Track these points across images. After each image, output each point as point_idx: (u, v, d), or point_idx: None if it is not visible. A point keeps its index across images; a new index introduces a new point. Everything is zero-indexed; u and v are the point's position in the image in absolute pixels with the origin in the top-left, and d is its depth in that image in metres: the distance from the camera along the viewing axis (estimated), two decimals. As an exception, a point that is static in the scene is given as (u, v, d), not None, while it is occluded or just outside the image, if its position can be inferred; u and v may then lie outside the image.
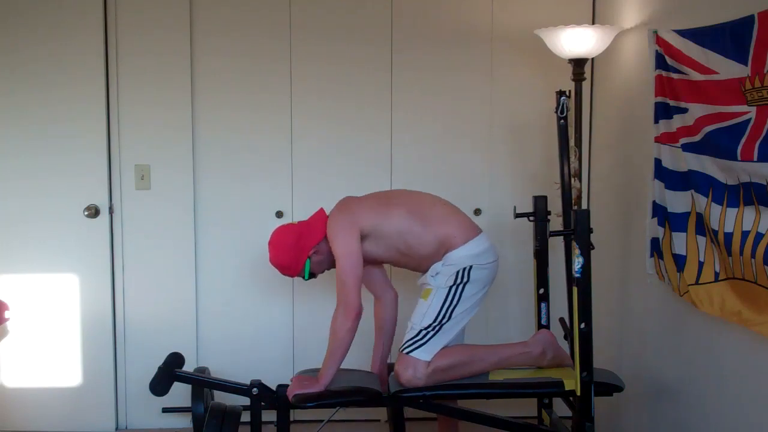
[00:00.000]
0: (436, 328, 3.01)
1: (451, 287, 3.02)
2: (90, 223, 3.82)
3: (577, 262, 2.83)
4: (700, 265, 2.67)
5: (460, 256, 3.03)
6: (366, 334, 3.27)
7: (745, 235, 2.36)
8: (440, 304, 3.02)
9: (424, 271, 3.11)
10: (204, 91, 3.86)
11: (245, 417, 3.05)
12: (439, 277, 3.03)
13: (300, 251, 3.10)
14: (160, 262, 3.91)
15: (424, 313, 3.02)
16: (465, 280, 3.02)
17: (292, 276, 3.19)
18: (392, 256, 3.14)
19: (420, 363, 2.97)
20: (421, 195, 3.26)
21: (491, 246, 3.13)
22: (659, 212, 2.92)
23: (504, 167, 3.96)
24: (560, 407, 3.43)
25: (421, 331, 3.00)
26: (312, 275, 3.16)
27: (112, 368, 3.92)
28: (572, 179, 3.35)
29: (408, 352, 2.99)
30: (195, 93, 3.85)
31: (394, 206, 3.13)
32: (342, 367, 3.02)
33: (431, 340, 3.00)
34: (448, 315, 3.02)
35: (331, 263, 3.15)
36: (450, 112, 3.92)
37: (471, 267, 3.03)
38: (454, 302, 3.03)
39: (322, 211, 3.17)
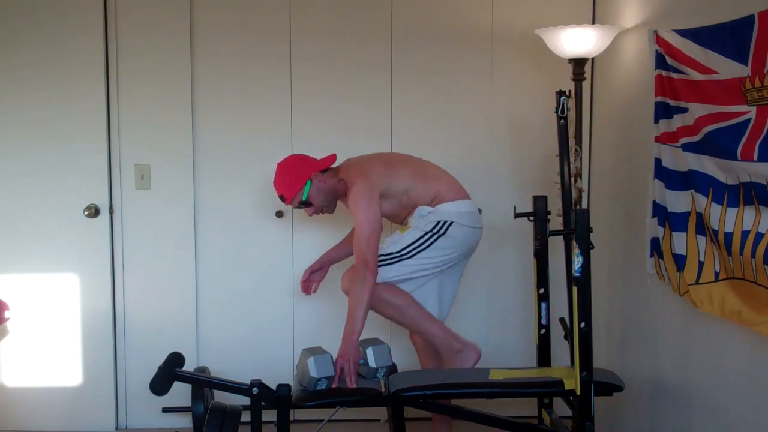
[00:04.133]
0: (395, 259, 3.21)
1: (427, 232, 3.21)
2: (90, 223, 3.82)
3: (577, 262, 2.83)
4: (700, 264, 2.67)
5: (447, 209, 3.24)
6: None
7: (745, 234, 2.36)
8: (410, 241, 3.22)
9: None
10: (204, 91, 3.86)
11: (245, 417, 3.05)
12: (421, 220, 3.23)
13: (303, 170, 3.26)
14: (160, 262, 3.91)
15: (393, 242, 3.25)
16: (442, 232, 3.22)
17: (288, 199, 3.28)
18: (394, 210, 3.33)
19: None
20: (415, 157, 3.47)
21: (477, 213, 3.35)
22: (659, 212, 2.92)
23: (504, 167, 3.96)
24: (560, 407, 3.43)
25: (381, 255, 3.17)
26: (308, 204, 3.27)
27: (112, 368, 3.92)
28: (574, 179, 3.35)
29: None
30: (195, 93, 3.85)
31: (399, 167, 3.34)
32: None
33: (385, 266, 3.19)
34: (411, 253, 3.20)
35: (329, 203, 3.30)
36: (450, 112, 3.92)
37: (452, 223, 3.22)
38: (423, 246, 3.22)
39: (333, 155, 3.35)
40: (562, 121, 3.32)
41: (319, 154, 3.88)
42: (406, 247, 3.23)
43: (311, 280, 3.59)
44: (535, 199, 3.35)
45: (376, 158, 3.41)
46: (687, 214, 2.75)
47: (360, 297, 3.08)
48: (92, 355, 3.90)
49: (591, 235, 2.88)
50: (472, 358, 3.33)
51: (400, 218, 3.39)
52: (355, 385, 3.00)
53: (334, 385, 3.01)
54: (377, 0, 3.85)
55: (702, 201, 2.59)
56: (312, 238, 3.95)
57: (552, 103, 3.39)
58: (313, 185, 3.26)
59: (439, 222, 3.22)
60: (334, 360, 3.02)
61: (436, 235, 3.22)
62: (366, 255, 3.10)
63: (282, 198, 3.32)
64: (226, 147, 3.90)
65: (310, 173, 3.26)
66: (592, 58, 3.57)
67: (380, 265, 3.17)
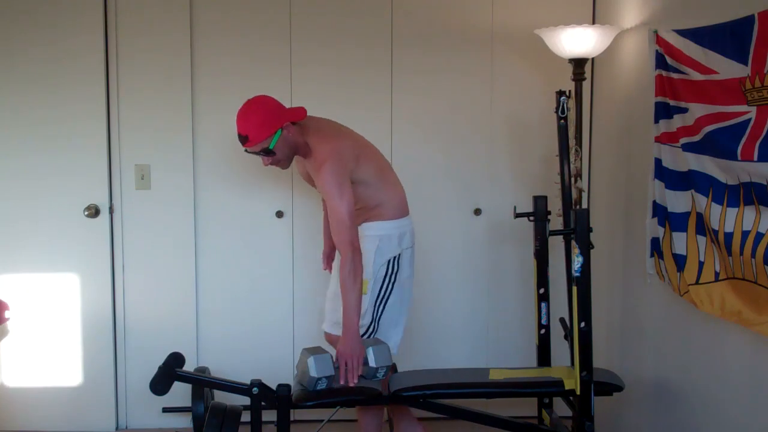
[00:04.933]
0: (374, 327, 3.15)
1: (384, 281, 3.14)
2: (90, 223, 3.82)
3: (577, 262, 2.84)
4: (701, 264, 2.67)
5: (390, 231, 3.14)
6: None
7: (745, 234, 2.36)
8: (374, 301, 3.13)
9: None
10: (204, 91, 3.86)
11: (245, 417, 3.05)
12: (368, 257, 3.07)
13: (278, 116, 2.99)
14: (160, 262, 3.91)
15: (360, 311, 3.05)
16: (395, 269, 3.16)
17: (253, 142, 2.98)
18: None
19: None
20: (381, 154, 3.31)
21: (413, 228, 3.25)
22: (659, 212, 2.92)
23: (504, 167, 3.96)
24: (560, 407, 3.43)
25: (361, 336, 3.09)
26: (272, 152, 3.01)
27: (112, 368, 3.92)
28: (574, 179, 3.35)
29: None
30: (195, 93, 3.85)
31: (369, 158, 3.17)
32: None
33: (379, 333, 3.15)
34: (381, 309, 3.16)
35: (288, 158, 3.09)
36: (450, 112, 3.92)
37: (399, 255, 3.16)
38: (387, 293, 3.15)
39: (304, 109, 3.10)
40: (562, 121, 3.32)
41: (319, 154, 3.89)
42: (374, 310, 3.15)
43: (331, 258, 3.51)
44: (535, 199, 3.36)
45: (350, 137, 3.19)
46: (687, 214, 2.75)
47: (351, 284, 2.95)
48: (92, 355, 3.90)
49: (591, 235, 2.88)
50: None
51: None
52: (356, 381, 2.97)
53: (336, 384, 2.99)
54: (377, 0, 3.85)
55: (702, 201, 2.59)
56: (312, 238, 3.95)
57: (552, 103, 3.39)
58: (283, 135, 3.00)
59: (389, 262, 3.14)
60: (335, 357, 2.99)
61: (393, 276, 3.15)
62: (348, 238, 2.95)
63: (243, 138, 3.00)
64: (226, 147, 3.90)
65: (284, 122, 2.99)
66: (592, 58, 3.57)
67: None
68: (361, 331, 3.11)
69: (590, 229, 2.88)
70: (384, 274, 3.15)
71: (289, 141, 3.04)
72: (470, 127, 3.93)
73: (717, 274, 2.59)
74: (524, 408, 3.57)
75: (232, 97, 3.85)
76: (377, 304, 3.16)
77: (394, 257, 3.16)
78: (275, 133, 2.98)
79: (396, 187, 3.22)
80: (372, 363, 3.07)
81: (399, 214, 3.19)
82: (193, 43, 3.82)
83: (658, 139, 2.90)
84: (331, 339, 3.30)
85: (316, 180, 3.10)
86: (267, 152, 3.02)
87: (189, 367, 3.28)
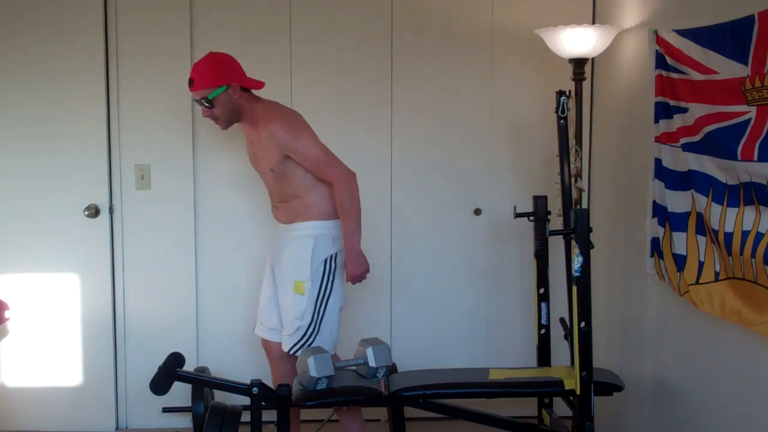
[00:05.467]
0: (315, 329, 3.17)
1: (322, 281, 3.16)
2: (90, 223, 3.82)
3: (577, 262, 2.84)
4: (701, 264, 2.67)
5: (325, 232, 3.17)
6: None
7: (745, 234, 2.36)
8: (314, 301, 3.15)
9: (284, 216, 3.23)
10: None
11: (245, 417, 3.05)
12: (305, 255, 3.14)
13: (228, 74, 3.08)
14: (160, 262, 3.91)
15: (298, 314, 3.14)
16: (333, 267, 3.18)
17: (197, 87, 3.07)
18: (285, 186, 3.18)
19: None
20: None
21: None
22: (659, 212, 2.92)
23: (504, 167, 3.96)
24: (560, 407, 3.43)
25: (299, 338, 3.15)
26: (209, 105, 3.08)
27: (112, 368, 3.92)
28: (574, 179, 3.35)
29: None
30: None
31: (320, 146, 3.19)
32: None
33: (317, 341, 3.16)
34: (322, 310, 3.17)
35: (227, 119, 3.14)
36: (450, 112, 3.92)
37: (336, 254, 3.18)
38: (327, 294, 3.17)
39: (262, 83, 3.19)
40: (562, 121, 3.32)
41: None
42: (314, 311, 3.17)
43: None
44: (535, 199, 3.35)
45: (306, 125, 3.20)
46: (687, 214, 2.75)
47: (354, 209, 3.10)
48: (92, 355, 3.90)
49: (591, 235, 2.88)
50: None
51: (281, 197, 3.24)
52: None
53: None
54: (377, 0, 3.85)
55: (702, 201, 2.59)
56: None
57: (552, 103, 3.39)
58: (227, 93, 3.07)
59: (326, 261, 3.17)
60: (347, 277, 3.13)
61: (331, 275, 3.18)
62: (337, 171, 3.10)
63: (190, 81, 3.09)
64: (226, 147, 3.90)
65: (232, 81, 3.07)
66: (592, 58, 3.57)
67: (310, 345, 3.15)
68: (300, 334, 3.15)
69: (590, 229, 2.88)
70: (322, 274, 3.17)
71: (233, 102, 3.10)
72: (470, 127, 3.93)
73: (717, 274, 2.59)
74: (524, 408, 3.57)
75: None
76: (317, 305, 3.17)
77: (331, 256, 3.19)
78: (219, 87, 3.05)
79: (331, 190, 3.19)
80: (372, 363, 3.07)
81: (333, 215, 3.19)
82: (193, 43, 3.82)
83: (658, 139, 2.90)
84: (268, 346, 3.31)
85: (269, 142, 3.10)
86: (207, 103, 3.08)
87: (189, 367, 3.28)
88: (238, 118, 3.17)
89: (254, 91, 3.23)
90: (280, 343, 3.26)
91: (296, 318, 3.16)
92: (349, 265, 3.14)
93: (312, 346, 3.15)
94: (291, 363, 3.22)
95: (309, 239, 3.16)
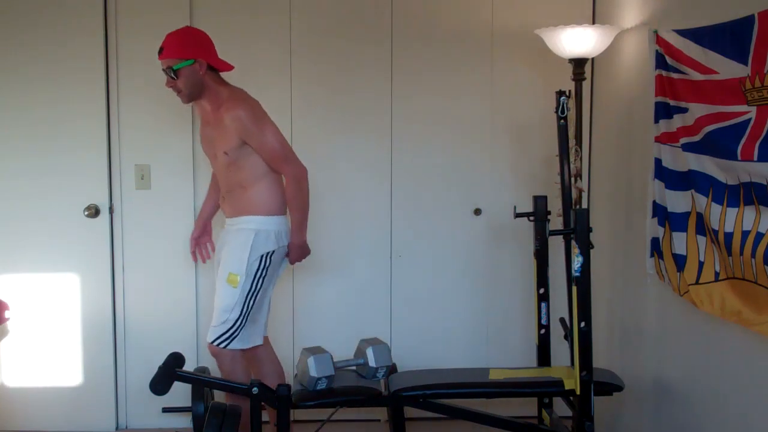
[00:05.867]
0: (244, 320, 3.22)
1: (255, 276, 3.20)
2: (90, 223, 3.82)
3: (577, 262, 2.84)
4: (700, 264, 2.67)
5: (271, 227, 3.22)
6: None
7: (745, 234, 2.36)
8: (245, 295, 3.20)
9: (232, 210, 3.27)
10: (204, 91, 3.86)
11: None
12: (243, 263, 3.17)
13: (198, 50, 3.11)
14: (160, 262, 3.91)
15: (228, 307, 3.19)
16: (267, 264, 3.23)
17: (165, 56, 3.11)
18: (237, 175, 3.20)
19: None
20: None
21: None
22: (659, 212, 2.92)
23: (504, 167, 3.96)
24: (560, 407, 3.43)
25: (229, 327, 3.20)
26: (176, 76, 3.11)
27: (112, 368, 3.92)
28: (574, 179, 3.35)
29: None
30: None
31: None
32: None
33: (243, 331, 3.23)
34: (251, 302, 3.23)
35: (189, 93, 3.15)
36: (450, 112, 3.92)
37: (273, 251, 3.23)
38: (258, 287, 3.22)
39: (231, 66, 3.23)
40: (562, 121, 3.32)
41: (319, 153, 3.90)
42: (244, 305, 3.21)
43: (199, 245, 3.57)
44: (535, 199, 3.35)
45: (268, 116, 3.24)
46: (687, 214, 2.75)
47: (303, 204, 3.23)
48: (92, 355, 3.90)
49: (591, 235, 2.88)
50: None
51: (228, 186, 3.27)
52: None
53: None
54: (378, 0, 3.85)
55: (702, 201, 2.59)
56: (311, 238, 3.95)
57: (552, 103, 3.39)
58: (192, 67, 3.10)
59: (262, 257, 3.21)
60: (289, 258, 3.29)
61: (265, 271, 3.23)
62: (294, 162, 3.19)
63: (160, 50, 3.13)
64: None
65: (200, 56, 3.11)
66: (592, 58, 3.57)
67: (234, 339, 3.20)
68: (227, 326, 3.19)
69: (590, 229, 2.88)
70: (256, 269, 3.20)
71: (197, 77, 3.12)
72: (470, 126, 3.93)
73: (717, 274, 2.59)
74: (524, 408, 3.57)
75: (232, 97, 3.88)
76: (248, 299, 3.21)
77: (268, 253, 3.22)
78: (186, 60, 3.09)
79: (280, 186, 3.27)
80: (372, 363, 3.07)
81: (278, 210, 3.26)
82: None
83: (658, 139, 2.90)
84: (216, 352, 3.26)
85: (231, 125, 3.11)
86: (172, 73, 3.11)
87: (189, 367, 3.29)
88: (200, 95, 3.18)
89: (225, 78, 3.26)
90: None
91: (225, 310, 3.19)
92: (293, 257, 3.31)
93: (236, 339, 3.20)
94: (228, 357, 3.22)
95: (250, 233, 3.20)
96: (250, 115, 3.13)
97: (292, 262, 3.36)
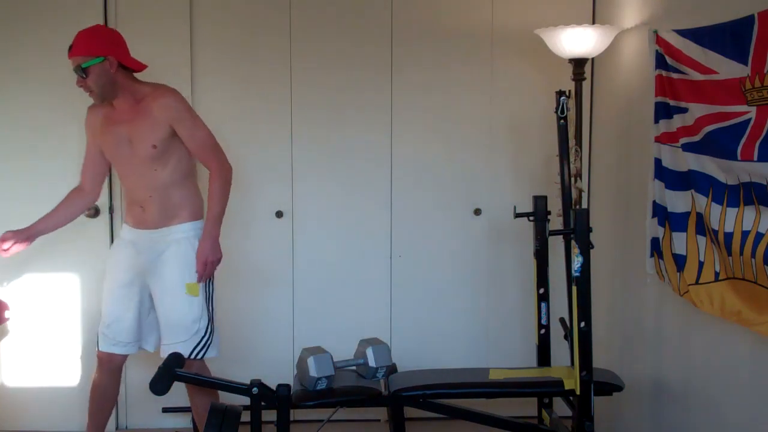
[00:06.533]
0: (210, 328, 3.22)
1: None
2: (90, 223, 3.82)
3: (577, 262, 2.84)
4: (700, 264, 2.67)
5: (199, 226, 3.18)
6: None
7: (745, 234, 2.36)
8: (206, 298, 3.19)
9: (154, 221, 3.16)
10: (204, 91, 3.85)
11: (245, 417, 3.05)
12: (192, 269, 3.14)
13: (110, 47, 3.03)
14: (160, 262, 3.90)
15: (195, 318, 3.16)
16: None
17: (75, 54, 3.02)
18: (162, 176, 3.13)
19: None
20: None
21: None
22: (659, 212, 2.92)
23: (504, 167, 3.96)
24: (560, 407, 3.43)
25: (201, 338, 3.19)
26: (86, 74, 3.01)
27: (112, 368, 3.92)
28: (574, 179, 3.35)
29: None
30: (195, 93, 3.84)
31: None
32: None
33: (213, 341, 3.23)
34: (211, 305, 3.23)
35: (101, 93, 3.05)
36: (450, 112, 3.92)
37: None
38: (211, 289, 3.22)
39: (144, 65, 3.15)
40: (562, 121, 3.32)
41: (319, 154, 3.91)
42: (208, 310, 3.21)
43: (6, 239, 3.22)
44: (535, 199, 3.36)
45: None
46: (687, 214, 2.75)
47: (226, 198, 3.15)
48: (92, 355, 3.88)
49: (591, 235, 2.88)
50: None
51: (152, 189, 3.14)
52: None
53: (198, 280, 3.13)
54: (377, 0, 3.85)
55: (702, 201, 2.59)
56: (312, 238, 3.96)
57: (552, 103, 3.39)
58: (102, 65, 3.00)
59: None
60: (198, 264, 3.11)
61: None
62: (221, 155, 3.16)
63: (69, 48, 3.05)
64: (226, 147, 3.86)
65: (110, 54, 3.01)
66: (592, 58, 3.57)
67: (209, 346, 3.21)
68: (200, 336, 3.18)
69: (590, 229, 2.88)
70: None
71: (108, 76, 3.03)
72: (470, 127, 3.93)
73: (717, 274, 2.59)
74: (524, 408, 3.57)
75: (232, 97, 3.89)
76: (209, 304, 3.21)
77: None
78: (95, 58, 2.99)
79: (194, 188, 3.24)
80: (372, 363, 3.07)
81: (201, 214, 3.23)
82: (192, 43, 3.82)
83: (658, 139, 2.90)
84: (114, 358, 3.29)
85: (159, 114, 3.05)
86: (81, 71, 3.02)
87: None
88: (113, 94, 3.08)
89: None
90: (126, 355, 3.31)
91: (194, 321, 3.16)
92: (205, 249, 3.12)
93: (211, 346, 3.20)
94: (197, 368, 3.22)
95: (191, 240, 3.16)
96: (182, 100, 3.11)
97: (201, 266, 3.12)
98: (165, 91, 3.10)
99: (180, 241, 3.15)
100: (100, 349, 3.32)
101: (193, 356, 3.17)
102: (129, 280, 3.23)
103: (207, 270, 3.13)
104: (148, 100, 3.08)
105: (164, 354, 3.16)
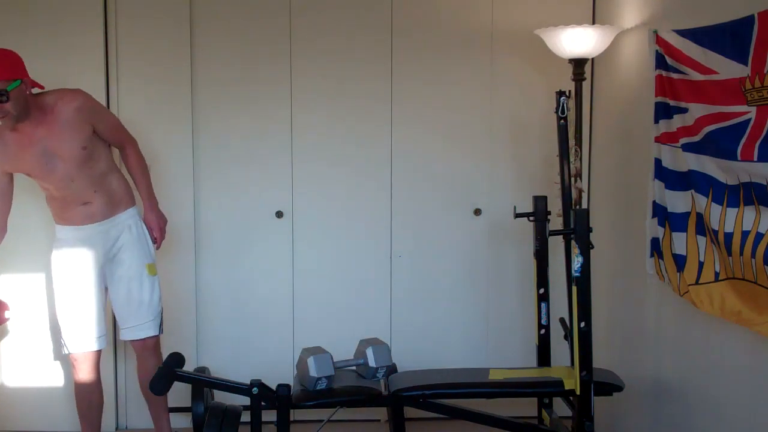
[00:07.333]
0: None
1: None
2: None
3: (577, 262, 2.84)
4: (700, 265, 2.67)
5: (137, 210, 3.41)
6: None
7: (745, 235, 2.36)
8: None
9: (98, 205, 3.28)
10: (204, 91, 3.85)
11: (245, 417, 3.05)
12: (150, 251, 3.41)
13: (23, 68, 3.04)
14: (159, 262, 3.89)
15: (154, 301, 3.41)
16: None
17: None
18: (92, 170, 3.23)
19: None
20: None
21: None
22: (659, 212, 2.92)
23: (504, 167, 3.96)
24: (560, 407, 3.43)
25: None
26: (8, 98, 2.93)
27: (112, 368, 3.92)
28: (574, 179, 3.36)
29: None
30: (195, 93, 3.84)
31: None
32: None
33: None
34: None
35: (20, 113, 3.00)
36: (450, 112, 3.92)
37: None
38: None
39: (42, 86, 3.14)
40: (562, 121, 3.32)
41: (319, 154, 3.92)
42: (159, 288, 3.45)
43: None
44: (535, 199, 3.36)
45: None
46: (687, 215, 2.75)
47: (146, 168, 3.41)
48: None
49: (591, 235, 2.88)
50: None
51: (95, 184, 3.24)
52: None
53: (158, 247, 3.43)
54: (378, 0, 3.85)
55: (702, 201, 2.59)
56: (312, 238, 3.96)
57: (552, 103, 3.39)
58: (20, 87, 2.97)
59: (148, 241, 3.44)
60: (156, 235, 3.40)
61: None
62: (128, 132, 3.39)
63: None
64: (226, 147, 3.90)
65: (25, 77, 3.02)
66: (592, 58, 3.57)
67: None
68: (161, 311, 3.44)
69: (590, 229, 2.88)
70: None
71: (25, 97, 3.02)
72: (470, 127, 3.93)
73: (717, 274, 2.59)
74: (524, 408, 3.57)
75: (233, 96, 3.89)
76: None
77: (147, 234, 3.43)
78: (17, 81, 2.98)
79: (122, 175, 3.41)
80: (372, 363, 3.07)
81: (134, 199, 3.42)
82: (193, 43, 3.82)
83: (658, 139, 2.90)
84: (95, 356, 3.41)
85: (77, 117, 3.11)
86: (2, 94, 2.95)
87: (189, 367, 3.29)
88: (26, 115, 3.04)
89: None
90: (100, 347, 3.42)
91: (159, 299, 3.42)
92: (155, 218, 3.41)
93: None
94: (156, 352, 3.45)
95: (138, 224, 3.37)
96: (90, 97, 3.20)
97: (159, 235, 3.43)
98: (73, 95, 3.14)
99: (131, 227, 3.35)
100: (73, 352, 3.37)
101: (161, 332, 3.43)
102: (92, 276, 3.33)
103: (163, 235, 3.43)
104: (58, 108, 3.09)
105: (134, 336, 3.39)
